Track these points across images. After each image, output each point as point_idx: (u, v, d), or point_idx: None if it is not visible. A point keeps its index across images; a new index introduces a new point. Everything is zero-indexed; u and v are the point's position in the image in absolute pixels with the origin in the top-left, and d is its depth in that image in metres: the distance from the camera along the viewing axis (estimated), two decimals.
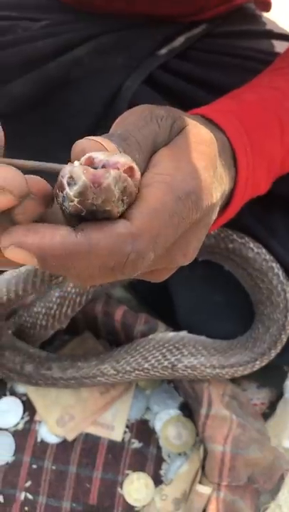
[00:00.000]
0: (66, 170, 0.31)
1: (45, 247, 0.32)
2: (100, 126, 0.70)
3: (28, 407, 0.68)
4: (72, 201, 0.32)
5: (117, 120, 0.42)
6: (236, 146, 0.48)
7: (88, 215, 0.33)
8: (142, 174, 0.37)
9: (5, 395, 0.69)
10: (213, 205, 0.40)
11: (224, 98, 0.56)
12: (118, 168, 0.32)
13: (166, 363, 0.59)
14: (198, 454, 0.61)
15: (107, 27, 0.71)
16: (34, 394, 0.67)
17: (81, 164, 0.32)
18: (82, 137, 0.36)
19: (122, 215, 0.34)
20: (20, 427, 0.67)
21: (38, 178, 0.35)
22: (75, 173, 0.31)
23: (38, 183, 0.34)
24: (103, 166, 0.32)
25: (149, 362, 0.60)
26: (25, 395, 0.68)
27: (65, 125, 0.71)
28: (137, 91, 0.68)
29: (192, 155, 0.39)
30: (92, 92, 0.69)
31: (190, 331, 0.63)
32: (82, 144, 0.34)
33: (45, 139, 0.72)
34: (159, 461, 0.65)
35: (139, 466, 0.64)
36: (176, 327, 0.65)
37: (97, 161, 0.32)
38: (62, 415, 0.65)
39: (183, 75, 0.70)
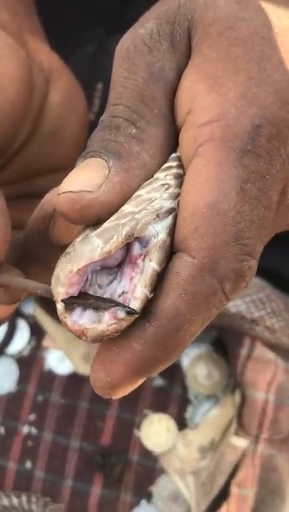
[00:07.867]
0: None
1: (131, 365, 0.27)
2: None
3: (36, 331, 0.58)
4: None
5: None
6: None
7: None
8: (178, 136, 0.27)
9: None
10: None
11: None
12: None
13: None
14: (233, 399, 0.52)
15: None
16: (49, 320, 0.57)
17: (62, 302, 0.27)
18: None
19: (181, 247, 0.25)
20: (26, 353, 0.58)
21: None
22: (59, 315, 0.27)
23: None
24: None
25: None
26: (32, 317, 0.59)
27: None
28: None
29: (230, 57, 0.25)
30: None
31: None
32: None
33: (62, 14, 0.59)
34: (185, 402, 0.56)
35: (160, 407, 0.56)
36: None
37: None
38: (89, 350, 0.56)
39: None
